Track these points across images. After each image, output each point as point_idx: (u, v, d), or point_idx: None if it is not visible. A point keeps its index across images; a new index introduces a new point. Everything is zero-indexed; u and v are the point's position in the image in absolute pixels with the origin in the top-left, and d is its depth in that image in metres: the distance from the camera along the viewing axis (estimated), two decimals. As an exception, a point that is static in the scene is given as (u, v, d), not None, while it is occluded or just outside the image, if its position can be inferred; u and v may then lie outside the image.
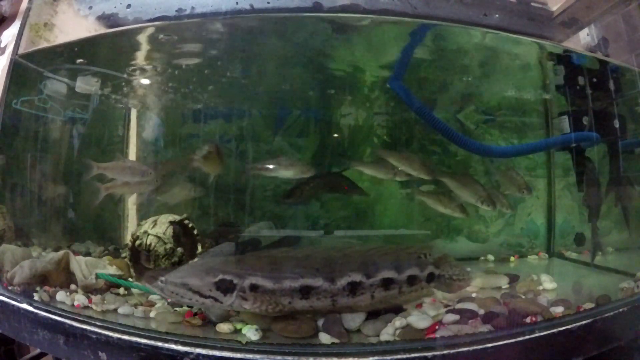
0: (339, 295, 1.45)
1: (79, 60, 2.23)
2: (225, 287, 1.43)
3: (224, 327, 1.46)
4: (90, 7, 1.87)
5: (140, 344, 1.38)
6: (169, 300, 1.68)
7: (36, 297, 1.70)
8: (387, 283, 1.49)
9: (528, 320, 1.50)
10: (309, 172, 2.41)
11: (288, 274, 1.44)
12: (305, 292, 1.43)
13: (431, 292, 1.61)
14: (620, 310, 1.61)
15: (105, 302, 1.68)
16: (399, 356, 1.30)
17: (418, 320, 1.48)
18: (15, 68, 2.06)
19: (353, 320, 1.48)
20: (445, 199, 2.44)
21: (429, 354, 1.30)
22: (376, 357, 1.30)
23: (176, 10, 1.70)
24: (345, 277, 1.45)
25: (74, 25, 1.94)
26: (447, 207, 2.43)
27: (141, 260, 1.98)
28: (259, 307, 1.41)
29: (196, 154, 2.30)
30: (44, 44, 2.03)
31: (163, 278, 1.48)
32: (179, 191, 2.45)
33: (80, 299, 1.69)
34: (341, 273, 1.46)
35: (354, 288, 1.46)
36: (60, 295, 1.73)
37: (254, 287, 1.42)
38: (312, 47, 2.28)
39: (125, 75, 2.44)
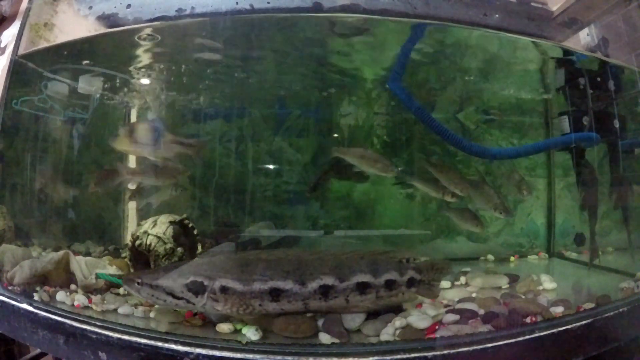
0: (311, 299, 1.44)
1: (84, 62, 2.23)
2: (196, 289, 1.44)
3: (224, 327, 1.46)
4: (90, 7, 1.87)
5: (140, 344, 1.38)
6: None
7: (36, 297, 1.70)
8: (362, 287, 1.48)
9: (528, 320, 1.50)
10: (391, 171, 2.35)
11: (257, 276, 1.43)
12: (275, 294, 1.42)
13: (413, 297, 1.60)
14: (620, 310, 1.61)
15: (105, 302, 1.68)
16: (399, 356, 1.30)
17: (418, 320, 1.48)
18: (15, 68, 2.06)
19: (353, 320, 1.48)
20: (465, 213, 2.42)
21: (429, 354, 1.30)
22: (376, 357, 1.30)
23: (176, 10, 1.70)
24: (316, 280, 1.44)
25: (74, 25, 1.94)
26: (466, 222, 2.40)
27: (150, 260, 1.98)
28: (230, 308, 1.42)
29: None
30: (44, 44, 2.03)
31: (139, 280, 1.49)
32: (162, 192, 2.44)
33: (80, 299, 1.69)
34: (312, 276, 1.45)
35: (326, 291, 1.45)
36: (60, 295, 1.72)
37: (224, 289, 1.42)
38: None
39: (125, 75, 2.44)
